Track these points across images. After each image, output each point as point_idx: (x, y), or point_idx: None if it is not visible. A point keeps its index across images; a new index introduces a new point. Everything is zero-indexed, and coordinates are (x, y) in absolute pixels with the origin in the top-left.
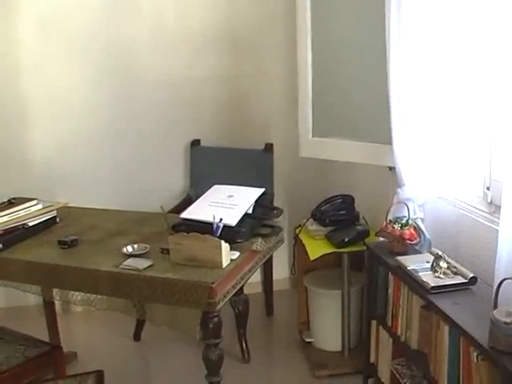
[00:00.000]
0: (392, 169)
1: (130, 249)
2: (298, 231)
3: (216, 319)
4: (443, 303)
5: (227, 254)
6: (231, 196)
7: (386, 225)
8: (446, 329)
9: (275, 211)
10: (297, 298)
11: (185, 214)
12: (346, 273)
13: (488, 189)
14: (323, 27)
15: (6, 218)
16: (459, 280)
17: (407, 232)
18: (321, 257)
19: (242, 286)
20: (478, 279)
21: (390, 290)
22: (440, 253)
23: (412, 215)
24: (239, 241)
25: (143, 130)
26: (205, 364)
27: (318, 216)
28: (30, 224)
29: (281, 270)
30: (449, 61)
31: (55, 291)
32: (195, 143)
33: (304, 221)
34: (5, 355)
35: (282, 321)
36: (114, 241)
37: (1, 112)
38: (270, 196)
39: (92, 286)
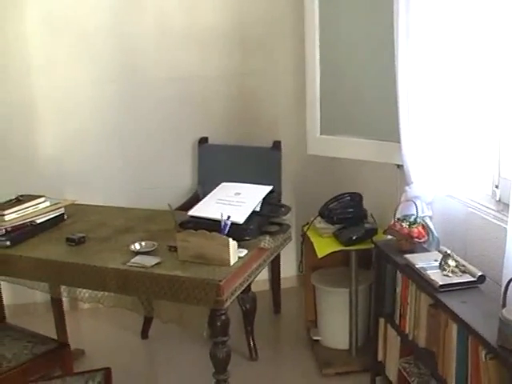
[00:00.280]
0: (400, 167)
1: (137, 246)
2: (305, 229)
3: (223, 317)
4: (451, 302)
5: (235, 252)
6: (239, 194)
7: (394, 223)
8: (454, 327)
9: (283, 209)
10: (304, 296)
11: (192, 212)
12: (353, 271)
13: (497, 187)
14: (331, 25)
15: (14, 215)
16: (467, 278)
17: (415, 230)
18: (328, 255)
19: (250, 283)
20: (487, 278)
21: (398, 289)
22: (448, 251)
23: (420, 213)
24: (247, 238)
25: (151, 128)
26: (212, 362)
27: (326, 214)
28: (38, 221)
29: (288, 268)
30: (457, 58)
31: (63, 288)
32: (203, 141)
33: (312, 218)
34: (13, 352)
35: (289, 319)
36: (122, 238)
37: (9, 110)
38: (278, 194)
39: (100, 284)
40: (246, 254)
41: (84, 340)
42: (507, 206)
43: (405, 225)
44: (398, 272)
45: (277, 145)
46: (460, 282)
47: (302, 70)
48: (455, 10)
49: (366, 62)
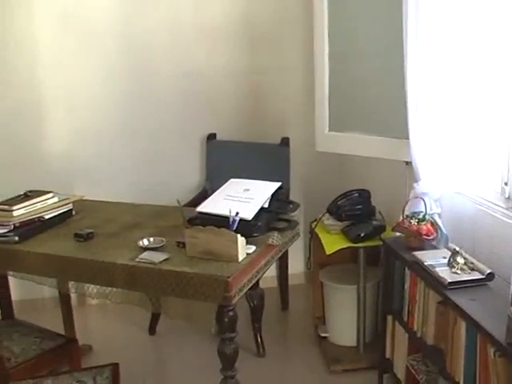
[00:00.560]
0: (409, 163)
1: (145, 242)
2: (313, 226)
3: (231, 313)
4: (460, 299)
5: (243, 248)
6: (247, 190)
7: (403, 220)
8: (462, 325)
9: (291, 205)
10: (312, 293)
11: (201, 208)
12: (361, 268)
13: (506, 184)
14: (340, 21)
15: (22, 211)
16: (476, 276)
17: (424, 227)
18: (336, 251)
19: (258, 280)
20: (496, 275)
21: (407, 286)
22: (457, 248)
23: (429, 210)
24: (255, 235)
25: (159, 124)
26: (220, 358)
27: (335, 210)
28: (46, 217)
29: (296, 265)
30: (466, 55)
31: (71, 284)
32: (211, 137)
33: (320, 215)
34: (21, 347)
35: (297, 315)
36: (130, 234)
37: (18, 106)
38: (286, 190)
39: (108, 279)
40: (255, 251)
41: (92, 336)
42: None
43: (413, 222)
44: (406, 269)
45: (285, 141)
46: (469, 280)
47: (311, 67)
48: (465, 7)
49: (374, 59)
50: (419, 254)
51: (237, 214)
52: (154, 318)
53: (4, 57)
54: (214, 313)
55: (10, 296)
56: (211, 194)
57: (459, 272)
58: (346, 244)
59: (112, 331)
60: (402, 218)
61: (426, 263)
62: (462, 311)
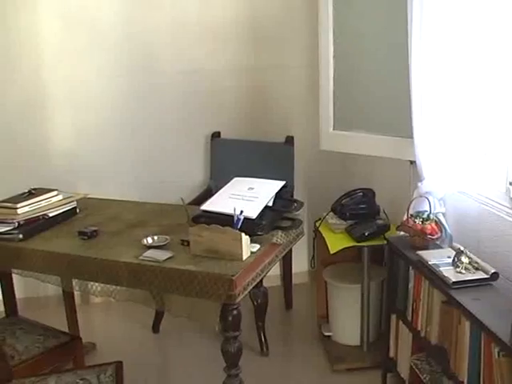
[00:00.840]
0: (413, 163)
1: (150, 240)
2: (318, 224)
3: (235, 312)
4: (464, 299)
5: (247, 247)
6: (252, 188)
7: (408, 219)
8: (466, 324)
9: (296, 204)
10: (316, 292)
11: (205, 206)
12: (365, 267)
13: (511, 184)
14: (345, 19)
15: (26, 209)
16: (481, 275)
17: (429, 226)
18: (340, 250)
19: (262, 278)
20: (500, 275)
21: (411, 285)
22: (461, 248)
23: (433, 210)
24: (259, 233)
25: (163, 122)
26: (223, 356)
27: (339, 209)
28: (51, 215)
29: (300, 264)
30: (470, 54)
31: (75, 282)
32: (215, 135)
33: (324, 214)
34: (24, 345)
35: (300, 314)
36: (134, 232)
37: (22, 104)
38: (291, 189)
39: (112, 277)
40: (259, 249)
41: (95, 333)
42: None
43: (418, 221)
44: (410, 268)
45: (289, 140)
46: (473, 279)
47: (316, 65)
48: (469, 7)
49: (379, 58)
50: (423, 254)
51: (241, 212)
52: (158, 316)
53: (8, 56)
54: (218, 311)
55: (13, 293)
56: (215, 192)
57: (463, 271)
58: (350, 243)
59: (116, 329)
60: (406, 217)
61: (430, 262)
62: (467, 311)
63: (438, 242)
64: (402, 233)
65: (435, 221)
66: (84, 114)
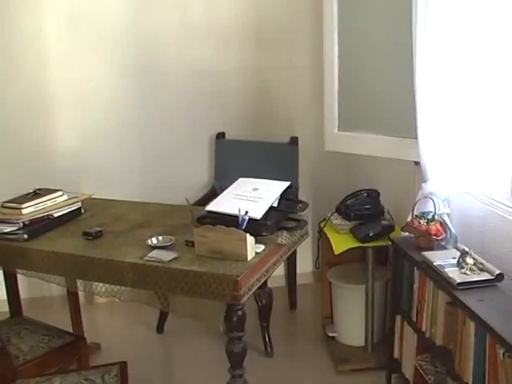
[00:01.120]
0: (417, 163)
1: (154, 241)
2: (322, 225)
3: (240, 312)
4: (469, 300)
5: (252, 247)
6: (256, 189)
7: (412, 220)
8: (471, 325)
9: (300, 205)
10: (320, 292)
11: (210, 207)
12: (370, 267)
13: None
14: (350, 20)
15: (31, 209)
16: (485, 276)
17: (433, 227)
18: (345, 251)
19: (266, 279)
20: (505, 276)
21: (416, 286)
22: (466, 249)
23: (438, 210)
24: (264, 234)
25: (169, 123)
26: (228, 357)
27: (343, 210)
28: (56, 215)
29: (304, 264)
30: (475, 54)
31: (79, 282)
32: (220, 136)
33: (329, 215)
34: (29, 345)
35: (305, 315)
36: (139, 232)
37: (28, 103)
38: (295, 189)
39: (116, 278)
40: (264, 250)
41: (100, 334)
42: None
43: (423, 222)
44: (415, 269)
45: (294, 140)
46: (478, 280)
47: (320, 66)
48: (473, 7)
49: (384, 58)
50: (428, 255)
51: (246, 213)
52: (162, 317)
53: (13, 56)
54: (222, 311)
55: (18, 294)
56: (220, 193)
57: (468, 272)
58: (354, 244)
59: (120, 329)
60: (411, 218)
61: (435, 263)
62: (471, 312)
63: (442, 243)
64: (406, 233)
65: (440, 222)
66: (89, 114)
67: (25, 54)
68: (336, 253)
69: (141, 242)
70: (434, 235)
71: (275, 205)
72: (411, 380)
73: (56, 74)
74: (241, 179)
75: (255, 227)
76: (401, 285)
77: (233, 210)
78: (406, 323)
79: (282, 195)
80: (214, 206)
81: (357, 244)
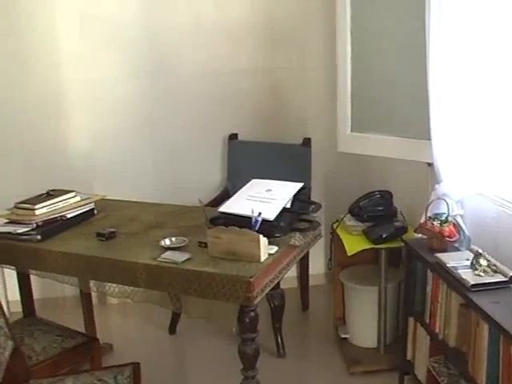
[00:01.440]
0: (430, 165)
1: (167, 242)
2: (335, 226)
3: (253, 313)
4: (483, 301)
5: (265, 249)
6: (269, 190)
7: (426, 221)
8: (485, 327)
9: (313, 206)
10: (332, 294)
11: (223, 208)
12: (383, 269)
13: None
14: (363, 21)
15: (44, 210)
16: (499, 278)
17: (447, 229)
18: (358, 252)
19: (279, 280)
20: None
21: (429, 287)
22: (480, 250)
23: (451, 212)
24: (277, 235)
25: (181, 124)
26: (240, 358)
27: (356, 211)
28: (69, 216)
29: (317, 265)
30: (489, 56)
31: (92, 283)
32: (233, 137)
33: (341, 216)
34: (42, 345)
35: (317, 316)
36: (152, 233)
37: (40, 104)
38: (308, 191)
39: (129, 279)
40: (277, 251)
41: (112, 335)
42: None
43: (436, 223)
44: (428, 271)
45: (307, 142)
46: (492, 282)
47: (333, 67)
48: (487, 7)
49: (397, 59)
50: (442, 256)
51: (259, 214)
52: (175, 318)
53: (26, 56)
54: (235, 312)
55: (31, 294)
56: (233, 194)
57: (482, 274)
58: (367, 245)
59: (132, 330)
60: (424, 219)
61: (448, 265)
62: (485, 314)
63: (456, 245)
64: (419, 235)
65: (453, 223)
66: (101, 115)
67: (38, 54)
68: (349, 254)
69: (154, 243)
70: (448, 237)
71: (288, 206)
72: (424, 382)
73: (68, 75)
74: (254, 180)
75: (268, 228)
76: (414, 286)
77: (246, 211)
78: (418, 325)
79: (295, 196)
80: (227, 207)
81: (370, 245)
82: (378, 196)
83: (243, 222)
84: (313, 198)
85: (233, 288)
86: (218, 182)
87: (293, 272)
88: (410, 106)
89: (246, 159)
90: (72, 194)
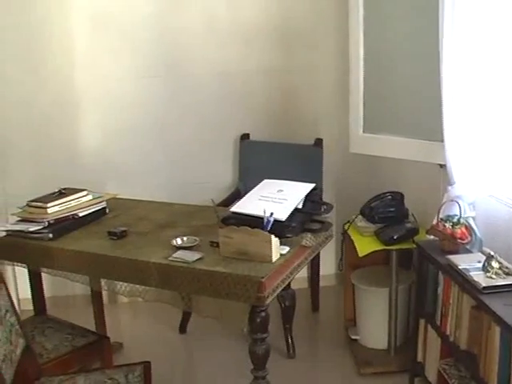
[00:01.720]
0: (442, 166)
1: (179, 241)
2: (346, 227)
3: (264, 314)
4: (495, 304)
5: (277, 249)
6: (281, 190)
7: (438, 223)
8: (497, 330)
9: (325, 206)
10: (343, 295)
11: (235, 208)
12: (394, 270)
13: None
14: (376, 22)
15: (56, 208)
16: (511, 281)
17: (459, 231)
18: (369, 254)
19: (290, 281)
20: None
21: (440, 289)
22: (492, 252)
23: (463, 214)
24: (289, 236)
25: (193, 123)
26: (251, 358)
27: (367, 212)
28: (80, 214)
29: (328, 266)
30: (502, 57)
31: (103, 281)
32: (244, 137)
33: (353, 217)
34: (53, 343)
35: (327, 317)
36: (164, 233)
37: (52, 103)
38: (319, 191)
39: (141, 278)
40: (288, 252)
41: (122, 333)
42: None
43: (448, 225)
44: (440, 273)
45: (318, 142)
46: (503, 285)
47: (345, 67)
48: (502, 10)
49: (409, 60)
50: (453, 258)
51: (271, 214)
52: (185, 317)
53: (38, 56)
54: (246, 312)
55: (42, 292)
56: (244, 194)
57: (494, 277)
58: (378, 246)
59: (142, 329)
60: (436, 221)
61: (460, 267)
62: (497, 316)
63: (467, 247)
64: (431, 237)
65: (465, 225)
66: (114, 114)
67: (52, 55)
68: (360, 255)
69: (165, 243)
70: (460, 239)
71: (300, 206)
72: None
73: (82, 75)
74: (266, 180)
75: (280, 229)
76: (425, 288)
77: (258, 212)
78: (429, 327)
79: (306, 197)
80: (238, 207)
81: (381, 247)
82: (390, 197)
83: (255, 222)
84: (324, 199)
85: (244, 288)
86: (230, 182)
87: (303, 273)
88: (422, 108)
89: (257, 159)
90: (84, 193)
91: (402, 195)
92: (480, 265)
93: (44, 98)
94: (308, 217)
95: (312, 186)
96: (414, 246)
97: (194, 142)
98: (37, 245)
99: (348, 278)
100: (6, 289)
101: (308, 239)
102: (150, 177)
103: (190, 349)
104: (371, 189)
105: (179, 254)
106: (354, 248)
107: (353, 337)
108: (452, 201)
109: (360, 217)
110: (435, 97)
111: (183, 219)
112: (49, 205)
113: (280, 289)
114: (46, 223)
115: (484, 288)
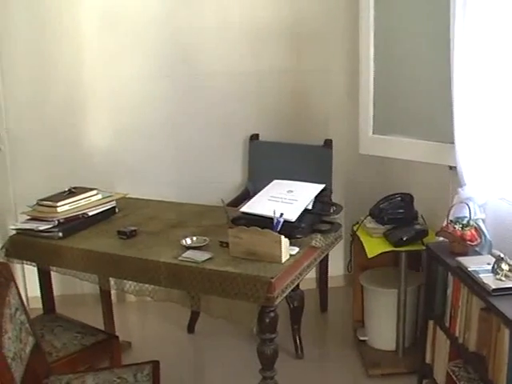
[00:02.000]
0: (452, 168)
1: (189, 241)
2: (355, 228)
3: (273, 314)
4: (504, 306)
5: (286, 249)
6: (291, 191)
7: (447, 225)
8: (506, 332)
9: (335, 207)
10: (351, 296)
11: (245, 208)
12: (403, 272)
13: None
14: (386, 23)
15: (66, 207)
16: None
17: (468, 233)
18: (378, 255)
19: (299, 281)
20: None
21: (449, 291)
22: (501, 255)
23: (473, 216)
24: (298, 236)
25: (203, 123)
26: (259, 358)
27: (377, 214)
28: (90, 213)
29: (336, 267)
30: None
31: (112, 281)
32: (254, 137)
33: (362, 218)
34: (62, 342)
35: (336, 318)
36: (173, 232)
37: (63, 103)
38: (329, 192)
39: (150, 277)
40: (298, 252)
41: (131, 332)
42: None
43: (458, 227)
44: (449, 274)
45: (328, 143)
46: None
47: (355, 68)
48: None
49: (420, 61)
50: (463, 260)
51: (281, 214)
52: (193, 317)
53: (49, 56)
54: (255, 312)
55: (52, 291)
56: (253, 194)
57: (503, 279)
58: (387, 248)
59: (151, 328)
60: (446, 223)
61: (469, 269)
62: (506, 318)
63: (477, 249)
64: (440, 238)
65: (475, 227)
66: (124, 113)
67: (61, 55)
68: (369, 256)
69: (175, 242)
70: (469, 240)
71: (310, 207)
72: None
73: (92, 74)
74: (275, 181)
75: (290, 229)
76: (434, 290)
77: (267, 212)
78: (438, 328)
79: (316, 198)
80: (248, 208)
81: (390, 248)
82: (399, 199)
83: (265, 222)
84: (333, 200)
85: (254, 288)
86: (239, 182)
87: (312, 273)
88: (432, 109)
89: (266, 160)
90: (94, 192)
91: (411, 197)
92: (489, 267)
93: (54, 97)
94: (317, 218)
95: (322, 186)
96: (423, 247)
97: (203, 142)
98: (46, 243)
99: (357, 279)
100: (16, 287)
101: (317, 240)
102: (159, 176)
103: (199, 348)
104: (380, 190)
105: (189, 253)
106: (363, 249)
107: (361, 338)
108: (462, 203)
109: (369, 218)
110: (446, 98)
111: (193, 219)
112: (59, 204)
113: (289, 289)
114: (56, 222)
115: (493, 290)
